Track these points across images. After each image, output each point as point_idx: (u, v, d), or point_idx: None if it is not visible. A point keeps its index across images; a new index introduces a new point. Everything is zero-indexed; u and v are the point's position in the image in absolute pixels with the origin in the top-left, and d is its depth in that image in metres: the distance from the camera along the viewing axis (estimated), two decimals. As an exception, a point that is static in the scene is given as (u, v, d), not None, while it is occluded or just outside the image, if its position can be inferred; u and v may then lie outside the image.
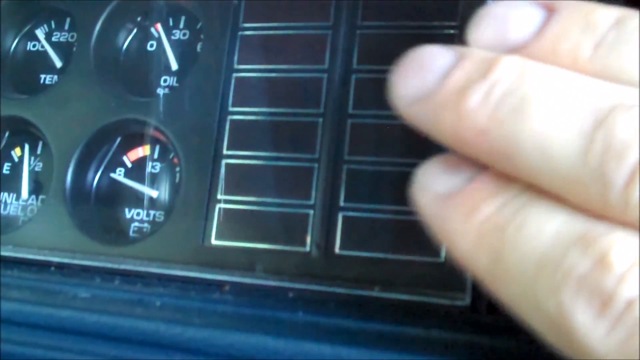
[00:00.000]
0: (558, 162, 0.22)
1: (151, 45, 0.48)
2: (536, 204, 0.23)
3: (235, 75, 0.42)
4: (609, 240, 0.21)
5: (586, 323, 0.20)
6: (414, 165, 0.27)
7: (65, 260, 0.42)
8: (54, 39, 0.51)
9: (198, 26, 0.47)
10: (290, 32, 0.42)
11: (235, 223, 0.40)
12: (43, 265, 0.42)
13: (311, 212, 0.38)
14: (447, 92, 0.24)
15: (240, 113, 0.41)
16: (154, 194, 0.45)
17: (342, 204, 0.38)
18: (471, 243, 0.24)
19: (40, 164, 0.49)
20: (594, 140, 0.21)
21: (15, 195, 0.48)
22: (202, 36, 0.46)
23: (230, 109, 0.42)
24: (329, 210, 0.38)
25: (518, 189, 0.23)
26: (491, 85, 0.23)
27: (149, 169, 0.46)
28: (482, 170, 0.25)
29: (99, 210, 0.46)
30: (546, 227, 0.22)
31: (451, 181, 0.25)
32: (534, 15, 0.25)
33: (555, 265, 0.21)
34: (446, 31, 0.38)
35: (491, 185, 0.24)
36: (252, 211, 0.40)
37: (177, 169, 0.45)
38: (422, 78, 0.25)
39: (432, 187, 0.26)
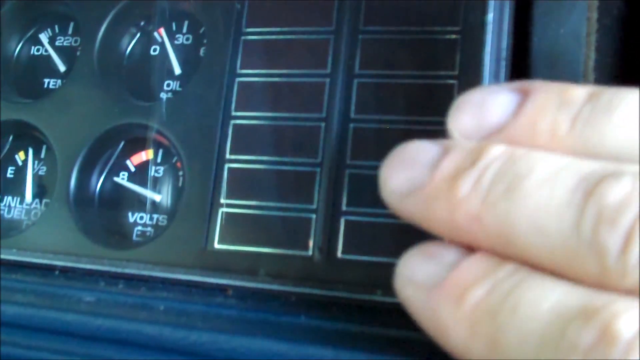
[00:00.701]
0: (553, 237, 0.22)
1: (154, 50, 0.48)
2: (529, 282, 0.23)
3: (238, 79, 0.42)
4: (611, 310, 0.20)
5: None
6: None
7: (69, 264, 0.42)
8: (57, 43, 0.51)
9: (201, 31, 0.47)
10: (293, 36, 0.42)
11: (238, 227, 0.40)
12: (47, 269, 0.42)
13: (314, 216, 0.39)
14: (438, 183, 0.25)
15: (243, 117, 0.42)
16: (157, 197, 0.45)
17: (344, 208, 0.38)
18: (464, 332, 0.23)
19: (44, 168, 0.49)
20: (585, 210, 0.21)
21: (19, 199, 0.49)
22: (205, 41, 0.46)
23: (233, 113, 0.42)
24: (332, 215, 0.38)
25: (508, 270, 0.23)
26: (481, 172, 0.24)
27: (152, 173, 0.46)
28: (465, 254, 0.25)
29: (103, 214, 0.46)
30: (542, 304, 0.22)
31: (435, 269, 0.25)
32: (510, 98, 0.26)
33: (557, 342, 0.21)
34: (448, 36, 0.38)
35: (479, 268, 0.24)
36: (254, 215, 0.40)
37: (180, 173, 0.45)
38: (411, 172, 0.26)
39: (416, 278, 0.26)
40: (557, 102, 0.25)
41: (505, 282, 0.23)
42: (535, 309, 0.22)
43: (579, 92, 0.25)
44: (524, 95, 0.26)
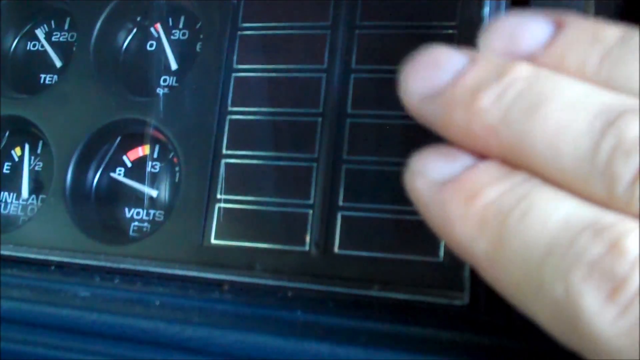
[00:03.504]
0: (567, 159, 0.23)
1: (151, 45, 0.48)
2: (541, 191, 0.23)
3: (234, 74, 0.42)
4: (620, 227, 0.21)
5: (594, 307, 0.21)
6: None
7: (65, 260, 0.42)
8: (54, 38, 0.51)
9: (197, 26, 0.47)
10: (289, 32, 0.42)
11: (234, 222, 0.40)
12: (43, 265, 0.42)
13: (310, 211, 0.39)
14: (460, 91, 0.25)
15: (240, 113, 0.42)
16: (153, 193, 0.45)
17: (341, 203, 0.38)
18: (471, 228, 0.24)
19: (41, 164, 0.49)
20: (604, 138, 0.22)
21: (15, 195, 0.48)
22: (201, 36, 0.46)
23: (230, 108, 0.42)
24: (328, 210, 0.38)
25: (520, 177, 0.24)
26: (504, 88, 0.25)
27: (148, 168, 0.46)
28: (480, 159, 0.26)
29: (99, 210, 0.46)
30: (554, 212, 0.23)
31: (448, 167, 0.26)
32: (544, 28, 0.27)
33: (564, 250, 0.22)
34: (445, 31, 0.38)
35: (493, 172, 0.25)
36: (251, 210, 0.40)
37: (177, 168, 0.45)
38: (435, 76, 0.27)
39: (428, 172, 0.26)
40: (590, 38, 0.25)
41: (518, 187, 0.24)
42: (545, 216, 0.23)
43: (612, 32, 0.25)
44: (558, 27, 0.27)
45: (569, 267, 0.21)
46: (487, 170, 0.25)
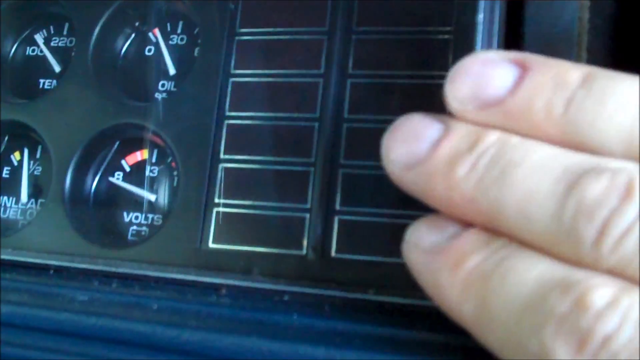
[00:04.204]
0: (536, 223, 0.25)
1: (149, 50, 0.49)
2: (518, 254, 0.25)
3: (232, 79, 0.42)
4: (586, 284, 0.23)
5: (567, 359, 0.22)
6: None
7: (64, 264, 0.42)
8: (52, 43, 0.51)
9: (195, 31, 0.47)
10: (287, 37, 0.42)
11: (232, 226, 0.40)
12: (42, 269, 0.42)
13: (307, 215, 0.39)
14: (438, 162, 0.27)
15: (237, 117, 0.42)
16: (152, 197, 0.46)
17: (338, 207, 0.38)
18: (458, 292, 0.26)
19: (40, 168, 0.49)
20: (567, 203, 0.24)
21: (14, 199, 0.49)
22: (199, 41, 0.46)
23: (228, 113, 0.42)
24: (325, 214, 0.38)
25: (499, 244, 0.26)
26: (477, 158, 0.26)
27: (147, 172, 0.46)
28: (465, 227, 0.28)
29: (98, 214, 0.46)
30: (528, 274, 0.24)
31: (438, 237, 0.28)
32: (508, 72, 0.28)
33: (537, 308, 0.23)
34: (440, 36, 0.38)
35: (476, 240, 0.27)
36: (249, 215, 0.40)
37: (175, 172, 0.45)
38: (414, 146, 0.28)
39: (421, 244, 0.29)
40: (554, 83, 0.26)
41: (497, 253, 0.26)
42: (521, 278, 0.24)
43: (574, 75, 0.26)
44: (522, 70, 0.28)
45: (542, 323, 0.23)
46: (471, 238, 0.27)
